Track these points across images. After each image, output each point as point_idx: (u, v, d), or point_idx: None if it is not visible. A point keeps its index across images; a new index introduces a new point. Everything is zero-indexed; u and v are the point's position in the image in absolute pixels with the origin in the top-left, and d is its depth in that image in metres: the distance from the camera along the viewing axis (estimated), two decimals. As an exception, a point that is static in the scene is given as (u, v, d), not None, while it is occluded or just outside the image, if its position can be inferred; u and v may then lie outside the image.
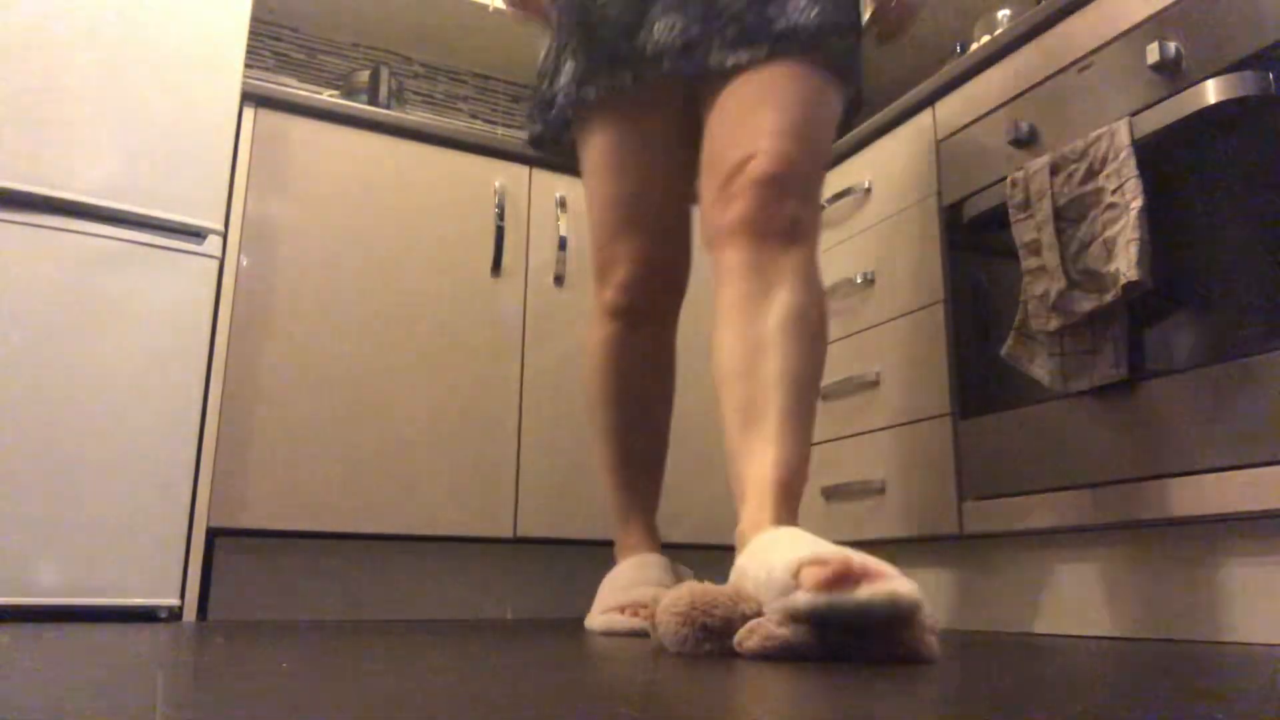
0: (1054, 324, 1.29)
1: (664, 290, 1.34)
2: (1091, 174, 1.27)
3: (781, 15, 1.12)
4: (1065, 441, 1.31)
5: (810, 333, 1.04)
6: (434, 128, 1.87)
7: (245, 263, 1.66)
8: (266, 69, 2.37)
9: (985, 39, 1.93)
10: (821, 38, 1.12)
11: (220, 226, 1.59)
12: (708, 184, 1.14)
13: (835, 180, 1.90)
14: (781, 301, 1.03)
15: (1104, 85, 1.31)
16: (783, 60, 1.12)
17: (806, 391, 1.02)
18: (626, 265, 1.31)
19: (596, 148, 1.29)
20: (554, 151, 1.43)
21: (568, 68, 1.26)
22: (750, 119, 1.10)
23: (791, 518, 0.95)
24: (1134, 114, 1.24)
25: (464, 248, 1.85)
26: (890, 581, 0.74)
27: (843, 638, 0.74)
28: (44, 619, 1.34)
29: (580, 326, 1.94)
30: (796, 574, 0.75)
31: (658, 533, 1.39)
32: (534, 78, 1.40)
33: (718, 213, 1.10)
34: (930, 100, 1.65)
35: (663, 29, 1.16)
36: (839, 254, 1.87)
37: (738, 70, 1.13)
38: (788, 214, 1.06)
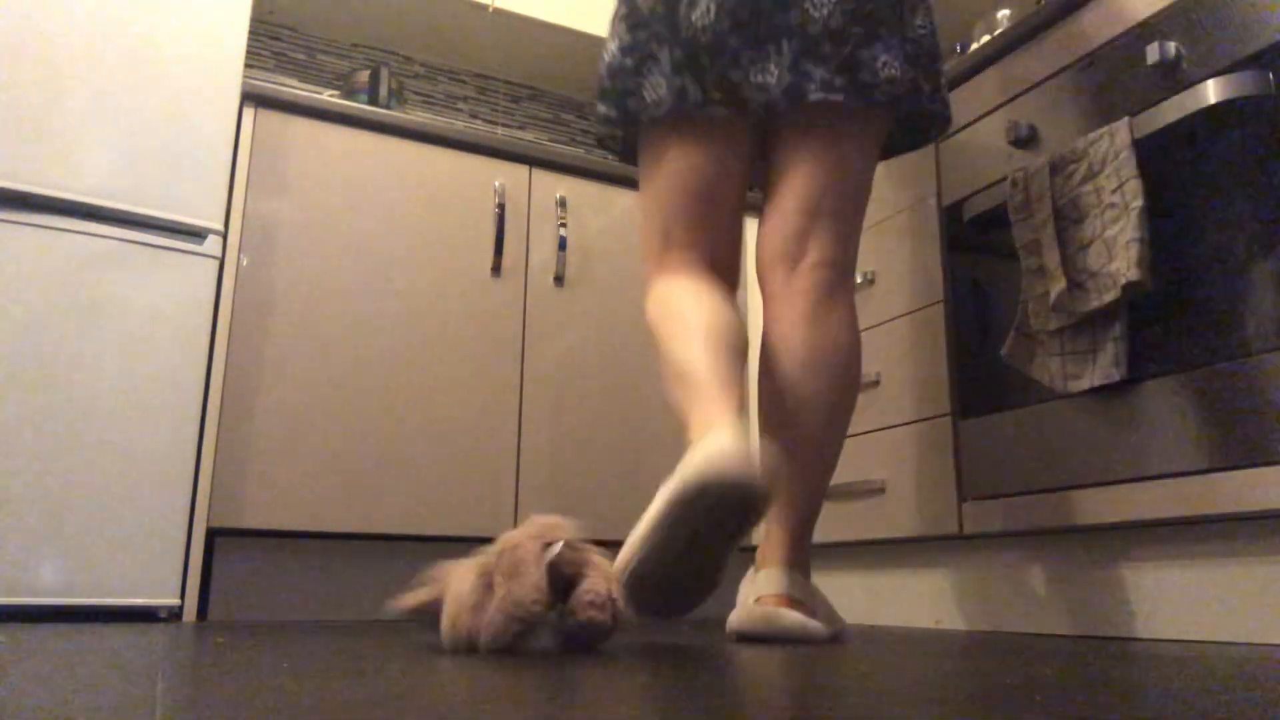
0: (1054, 324, 1.29)
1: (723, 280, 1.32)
2: (1091, 174, 1.27)
3: (869, 68, 1.19)
4: (1065, 441, 1.31)
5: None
6: (434, 128, 1.87)
7: (245, 263, 1.66)
8: (266, 69, 2.37)
9: (985, 39, 1.93)
10: (903, 94, 1.21)
11: (220, 226, 1.59)
12: (771, 229, 1.26)
13: (835, 180, 1.90)
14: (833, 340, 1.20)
15: (1104, 85, 1.31)
16: (858, 112, 1.23)
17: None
18: (692, 251, 1.29)
19: (675, 147, 1.27)
20: (613, 144, 1.37)
21: (656, 77, 1.23)
22: (811, 180, 1.23)
23: None
24: (1134, 114, 1.24)
25: (464, 248, 1.85)
26: None
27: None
28: (44, 619, 1.34)
29: (580, 326, 1.94)
30: None
31: None
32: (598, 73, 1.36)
33: (781, 275, 1.24)
34: (930, 100, 1.65)
35: (758, 71, 1.19)
36: (839, 254, 1.87)
37: (816, 106, 1.22)
38: (840, 283, 1.24)
